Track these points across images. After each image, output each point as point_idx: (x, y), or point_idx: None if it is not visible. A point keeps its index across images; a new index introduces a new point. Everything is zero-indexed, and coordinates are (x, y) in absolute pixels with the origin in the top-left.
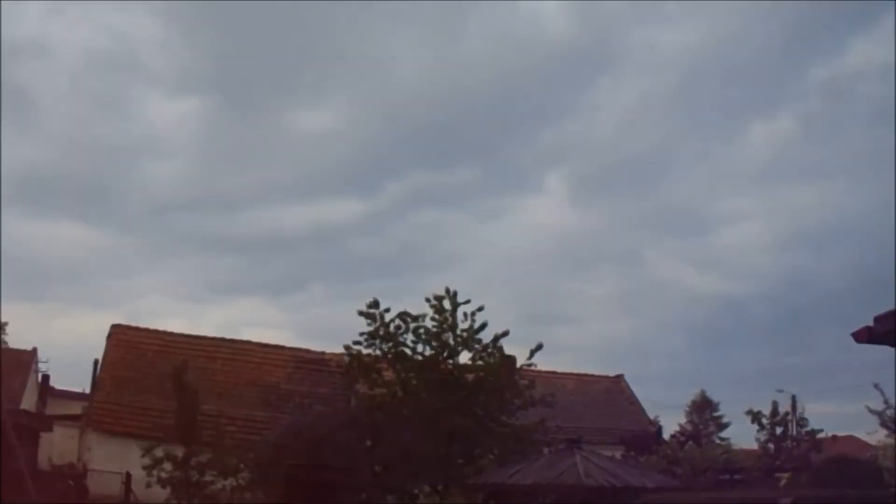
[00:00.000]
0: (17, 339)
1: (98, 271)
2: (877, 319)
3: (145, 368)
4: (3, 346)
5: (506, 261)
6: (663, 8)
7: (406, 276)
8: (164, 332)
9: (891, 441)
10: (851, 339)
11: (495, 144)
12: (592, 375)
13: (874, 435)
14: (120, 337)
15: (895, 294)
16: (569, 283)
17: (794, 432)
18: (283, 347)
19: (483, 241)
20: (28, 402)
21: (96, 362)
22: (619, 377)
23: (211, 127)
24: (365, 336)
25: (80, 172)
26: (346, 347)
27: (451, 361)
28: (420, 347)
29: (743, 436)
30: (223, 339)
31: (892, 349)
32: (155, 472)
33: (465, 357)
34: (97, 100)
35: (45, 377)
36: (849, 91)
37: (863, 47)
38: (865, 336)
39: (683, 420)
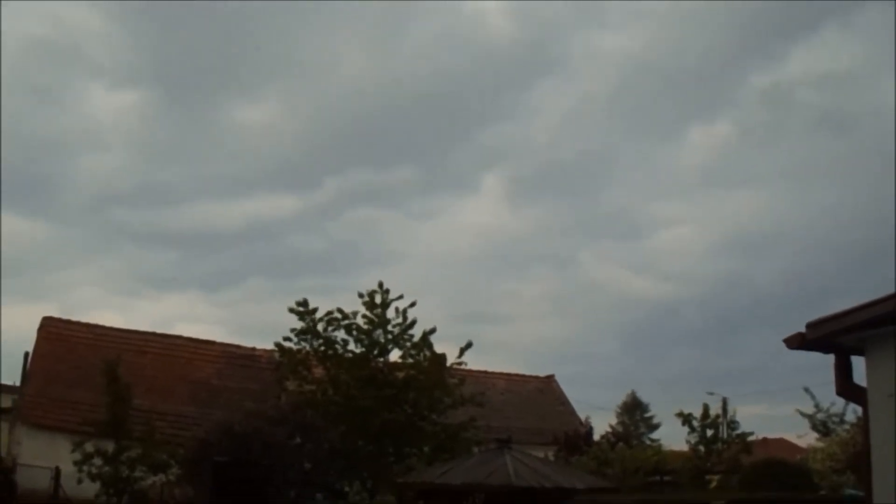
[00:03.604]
0: None
1: (33, 263)
2: (809, 326)
3: (76, 362)
4: None
5: (441, 260)
6: (605, 12)
7: (342, 273)
8: (95, 326)
9: (820, 444)
10: (783, 343)
11: (434, 144)
12: (523, 375)
13: (804, 438)
14: (51, 330)
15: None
16: (503, 283)
17: (725, 434)
18: (213, 343)
19: (419, 241)
20: None
21: (27, 355)
22: (550, 377)
23: (150, 120)
24: (296, 332)
25: (17, 163)
26: (277, 344)
27: (381, 359)
28: (351, 345)
29: (673, 437)
30: (154, 334)
31: (824, 355)
32: (85, 468)
33: (395, 355)
34: (37, 90)
35: None
36: (788, 99)
37: (802, 56)
38: (798, 342)
39: (614, 421)
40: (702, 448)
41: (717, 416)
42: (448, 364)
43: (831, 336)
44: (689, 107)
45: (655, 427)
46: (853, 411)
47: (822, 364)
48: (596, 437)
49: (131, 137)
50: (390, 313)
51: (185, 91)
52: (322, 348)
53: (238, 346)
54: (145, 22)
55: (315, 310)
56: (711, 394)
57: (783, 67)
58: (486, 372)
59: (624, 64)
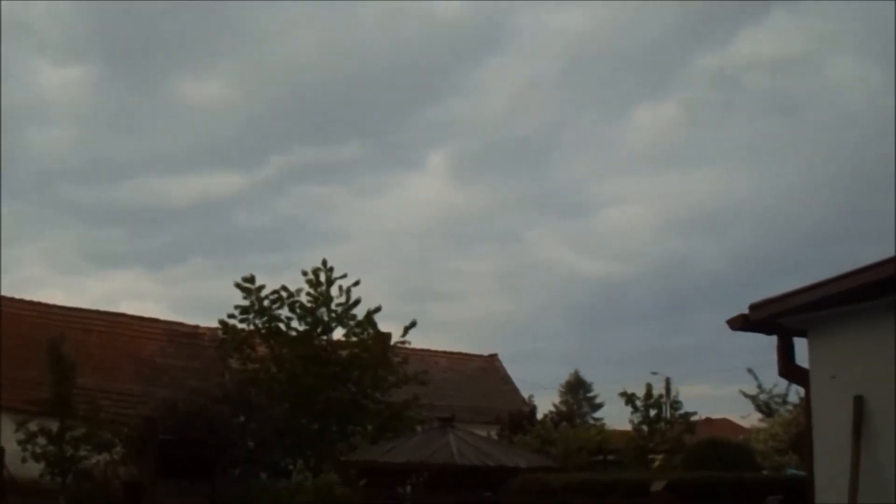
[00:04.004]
0: None
1: None
2: (752, 307)
3: (20, 339)
4: None
5: (387, 237)
6: None
7: (288, 250)
8: (39, 304)
9: (763, 425)
10: (727, 324)
11: (380, 121)
12: (466, 354)
13: (747, 418)
14: None
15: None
16: (449, 260)
17: (668, 414)
18: (157, 321)
19: (365, 217)
20: None
21: None
22: (494, 356)
23: (97, 95)
24: (239, 310)
25: None
26: (221, 321)
27: (324, 337)
28: (295, 323)
29: (617, 417)
30: (98, 312)
31: (767, 336)
32: (29, 447)
33: (339, 333)
34: None
35: None
36: (735, 80)
37: (751, 39)
38: (741, 323)
39: (558, 400)
40: (645, 428)
41: (661, 396)
42: (392, 343)
43: (774, 318)
44: (638, 86)
45: (599, 406)
46: (796, 392)
47: (768, 345)
48: (539, 416)
49: (78, 112)
50: (334, 291)
51: (132, 66)
52: (266, 325)
53: (181, 324)
54: None
55: (262, 287)
56: (655, 373)
57: (732, 49)
58: (429, 350)
59: (573, 43)
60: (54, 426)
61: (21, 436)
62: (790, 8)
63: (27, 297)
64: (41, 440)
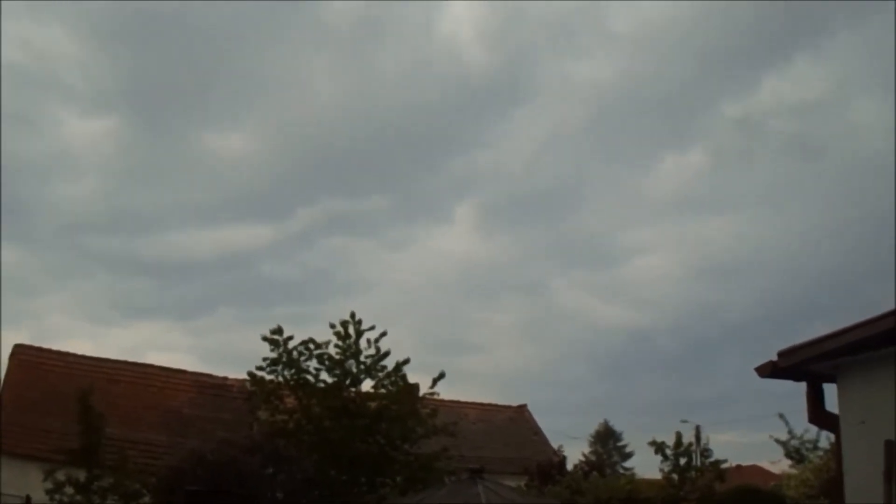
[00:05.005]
0: None
1: (3, 289)
2: (781, 354)
3: (47, 390)
4: None
5: (414, 289)
6: (578, 41)
7: (315, 302)
8: (67, 354)
9: (794, 471)
10: (755, 372)
11: (406, 173)
12: (496, 405)
13: (778, 464)
14: (22, 357)
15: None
16: (475, 312)
17: (699, 462)
18: (185, 372)
19: (391, 270)
20: None
21: None
22: (523, 407)
23: (123, 147)
24: (268, 362)
25: None
26: (250, 373)
27: (353, 389)
28: (323, 374)
29: (647, 466)
30: (125, 362)
31: (795, 382)
32: (57, 496)
33: (367, 385)
34: (8, 115)
35: None
36: (760, 126)
37: (775, 85)
38: (769, 370)
39: (587, 450)
40: (675, 476)
41: (691, 444)
42: (420, 394)
43: (802, 364)
44: (663, 135)
45: (629, 456)
46: (826, 438)
47: (796, 390)
48: (569, 466)
49: (105, 164)
50: (362, 343)
51: (159, 118)
52: (295, 377)
53: (210, 375)
54: (120, 48)
55: (290, 338)
56: (685, 422)
57: (756, 95)
58: (458, 402)
59: (597, 93)
60: (82, 476)
61: (49, 485)
62: (813, 52)
63: (54, 347)
64: (69, 490)
